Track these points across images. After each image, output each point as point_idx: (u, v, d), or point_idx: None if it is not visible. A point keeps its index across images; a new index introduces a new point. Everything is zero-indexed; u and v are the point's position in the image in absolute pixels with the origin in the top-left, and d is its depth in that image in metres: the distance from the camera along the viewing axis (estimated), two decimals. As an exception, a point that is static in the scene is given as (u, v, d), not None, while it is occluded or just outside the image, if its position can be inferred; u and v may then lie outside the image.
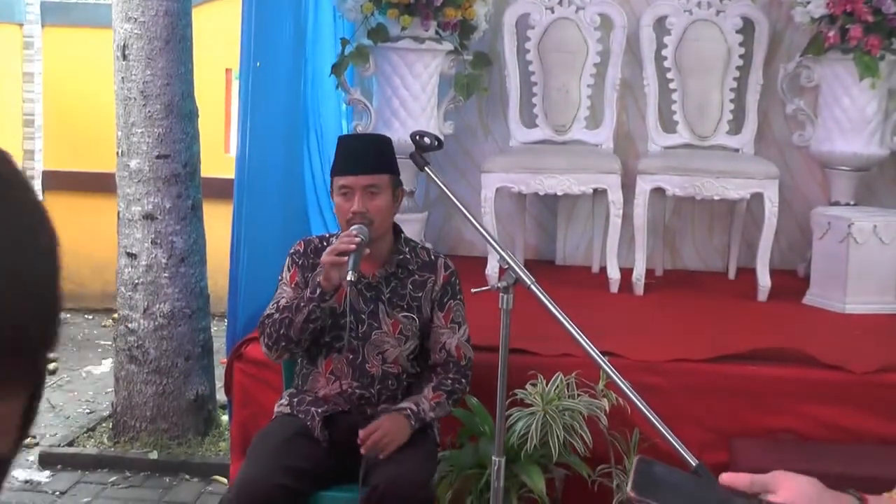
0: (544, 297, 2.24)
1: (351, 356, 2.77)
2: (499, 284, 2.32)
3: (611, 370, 2.20)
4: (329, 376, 2.78)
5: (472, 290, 2.49)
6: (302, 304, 2.66)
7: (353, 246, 2.57)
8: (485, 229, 2.54)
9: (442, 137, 3.27)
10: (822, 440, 3.21)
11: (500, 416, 2.38)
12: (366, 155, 2.75)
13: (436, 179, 2.50)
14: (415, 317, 2.79)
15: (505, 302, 2.33)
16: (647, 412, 2.13)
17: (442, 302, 2.81)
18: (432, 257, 2.86)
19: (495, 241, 2.55)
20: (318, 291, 2.64)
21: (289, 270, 2.83)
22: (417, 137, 2.53)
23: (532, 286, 2.26)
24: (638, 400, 2.16)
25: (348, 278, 2.53)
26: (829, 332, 3.77)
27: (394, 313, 2.78)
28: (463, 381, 2.80)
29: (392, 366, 2.78)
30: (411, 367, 2.83)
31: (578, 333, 2.20)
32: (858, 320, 3.91)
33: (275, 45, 3.80)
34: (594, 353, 2.19)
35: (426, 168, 2.53)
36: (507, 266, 2.36)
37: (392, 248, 2.81)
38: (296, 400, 2.80)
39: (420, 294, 2.80)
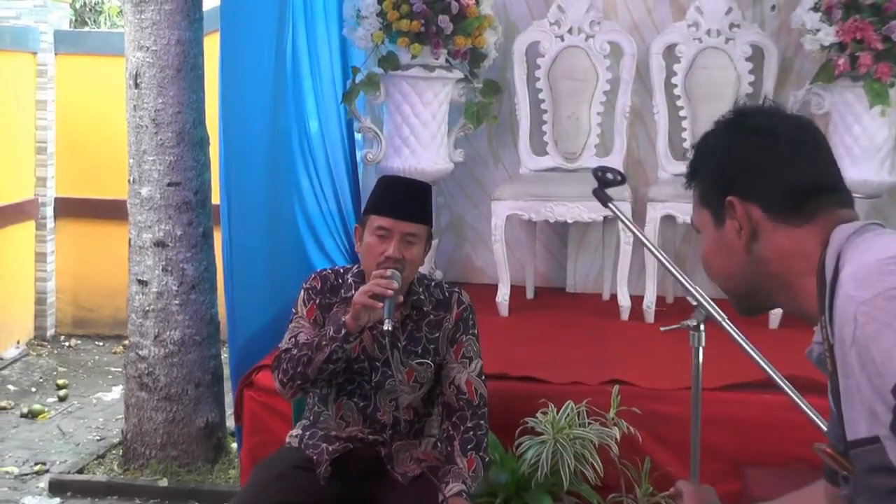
0: (736, 333, 2.23)
1: (362, 404, 2.70)
2: (688, 322, 2.32)
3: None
4: (339, 421, 2.73)
5: (662, 329, 2.44)
6: (324, 342, 2.56)
7: (390, 292, 2.50)
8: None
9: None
10: (835, 469, 3.18)
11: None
12: (412, 202, 2.64)
13: (620, 216, 2.44)
14: (430, 362, 2.71)
15: (696, 340, 2.32)
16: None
17: (454, 338, 2.73)
18: (446, 294, 2.77)
19: (683, 277, 2.46)
20: (342, 332, 2.54)
21: (305, 305, 2.73)
22: (600, 173, 2.49)
23: (723, 322, 2.26)
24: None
25: (386, 328, 2.46)
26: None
27: (409, 361, 2.69)
28: (482, 423, 2.70)
29: (404, 412, 2.71)
30: (423, 409, 2.76)
31: (769, 366, 2.18)
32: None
33: (253, 72, 3.82)
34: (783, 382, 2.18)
35: (609, 204, 2.48)
36: (696, 303, 2.34)
37: (407, 290, 2.70)
38: (307, 433, 2.76)
39: (437, 335, 2.72)
